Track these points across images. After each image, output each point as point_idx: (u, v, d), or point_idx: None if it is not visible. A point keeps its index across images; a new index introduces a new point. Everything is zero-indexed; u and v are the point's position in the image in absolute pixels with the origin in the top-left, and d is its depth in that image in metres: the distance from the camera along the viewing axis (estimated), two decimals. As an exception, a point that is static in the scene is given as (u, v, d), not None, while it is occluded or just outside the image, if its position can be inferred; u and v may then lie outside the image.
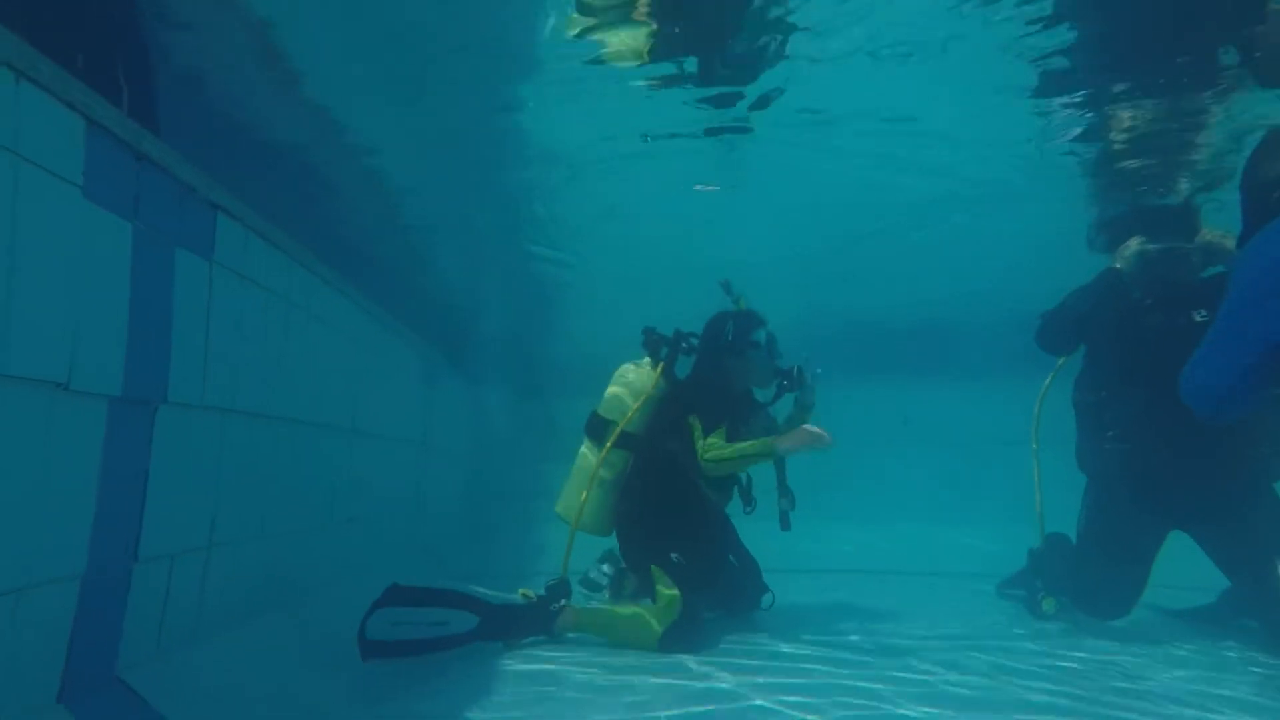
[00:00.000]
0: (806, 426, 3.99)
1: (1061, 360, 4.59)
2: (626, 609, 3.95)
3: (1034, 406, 4.68)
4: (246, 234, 3.18)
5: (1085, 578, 4.30)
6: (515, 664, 3.39)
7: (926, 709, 2.74)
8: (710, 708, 2.76)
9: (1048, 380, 4.62)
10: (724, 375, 4.28)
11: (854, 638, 4.03)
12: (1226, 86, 4.16)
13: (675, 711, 2.71)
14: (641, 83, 4.28)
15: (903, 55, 3.91)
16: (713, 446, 3.95)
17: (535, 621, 3.74)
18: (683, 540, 4.08)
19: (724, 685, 3.07)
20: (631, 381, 4.40)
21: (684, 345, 4.40)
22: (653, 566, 4.02)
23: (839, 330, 8.89)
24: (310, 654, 3.18)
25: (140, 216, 2.38)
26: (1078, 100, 4.39)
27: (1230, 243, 3.69)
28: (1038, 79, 4.14)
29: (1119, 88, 4.28)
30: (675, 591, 3.86)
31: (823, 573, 6.30)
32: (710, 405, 4.12)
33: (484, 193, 6.06)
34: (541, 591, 4.00)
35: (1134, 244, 4.01)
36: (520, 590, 4.22)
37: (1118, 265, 4.09)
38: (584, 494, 4.23)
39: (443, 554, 6.27)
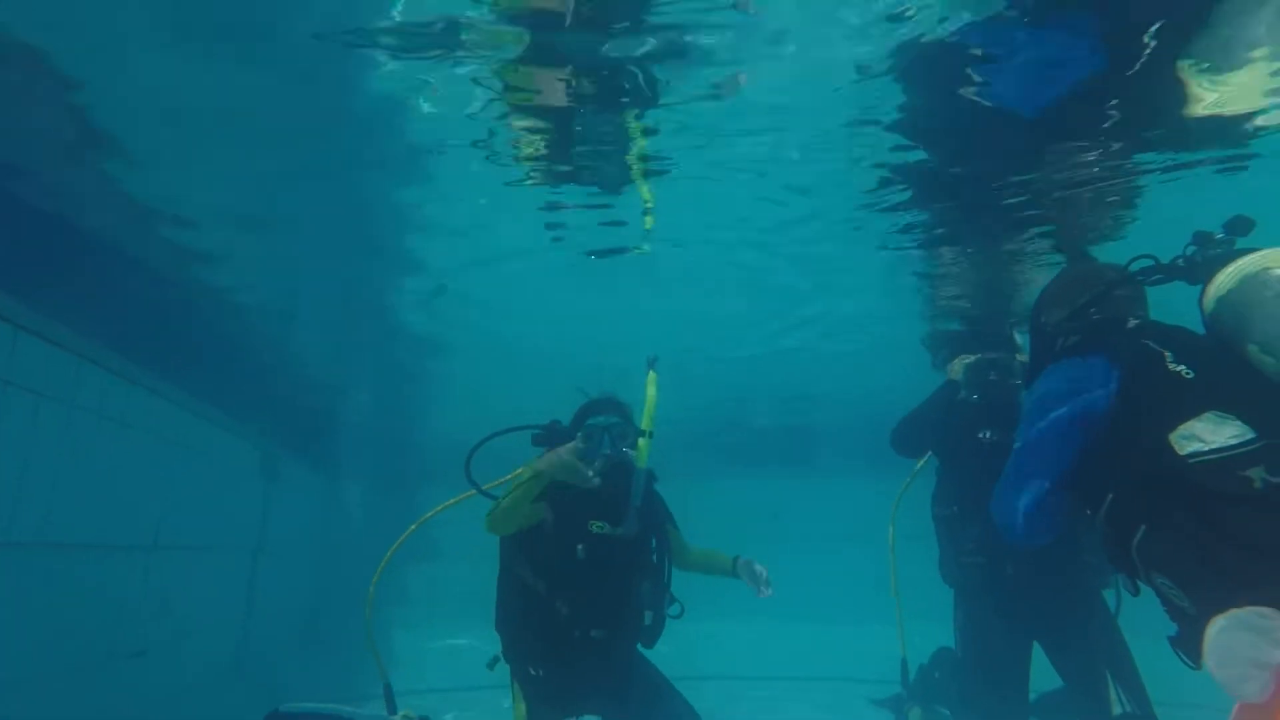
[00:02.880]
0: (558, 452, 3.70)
1: (918, 465, 4.67)
2: None
3: (890, 511, 4.70)
4: (15, 334, 2.77)
5: (966, 708, 4.25)
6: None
7: None
8: None
9: (902, 487, 4.68)
10: None
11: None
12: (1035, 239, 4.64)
13: None
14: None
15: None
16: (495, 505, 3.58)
17: None
18: (531, 649, 3.73)
19: None
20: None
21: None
22: (512, 682, 3.65)
23: (717, 427, 8.91)
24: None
25: None
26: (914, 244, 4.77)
27: None
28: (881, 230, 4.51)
29: (947, 240, 4.74)
30: (523, 710, 3.52)
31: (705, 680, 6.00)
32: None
33: (341, 281, 5.72)
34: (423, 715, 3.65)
35: (963, 358, 4.27)
36: (403, 712, 3.80)
37: (952, 378, 4.31)
38: None
39: (277, 674, 5.61)
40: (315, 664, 6.37)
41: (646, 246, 4.95)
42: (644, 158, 3.94)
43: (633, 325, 6.42)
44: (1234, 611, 1.59)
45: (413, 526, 4.25)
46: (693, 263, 5.25)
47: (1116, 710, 3.63)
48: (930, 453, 4.52)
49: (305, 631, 6.99)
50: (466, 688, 5.37)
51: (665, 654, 4.22)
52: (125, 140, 3.30)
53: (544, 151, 3.88)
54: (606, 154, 3.89)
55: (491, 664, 3.99)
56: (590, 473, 3.54)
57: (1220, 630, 1.62)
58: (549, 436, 3.94)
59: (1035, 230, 4.48)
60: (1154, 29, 2.68)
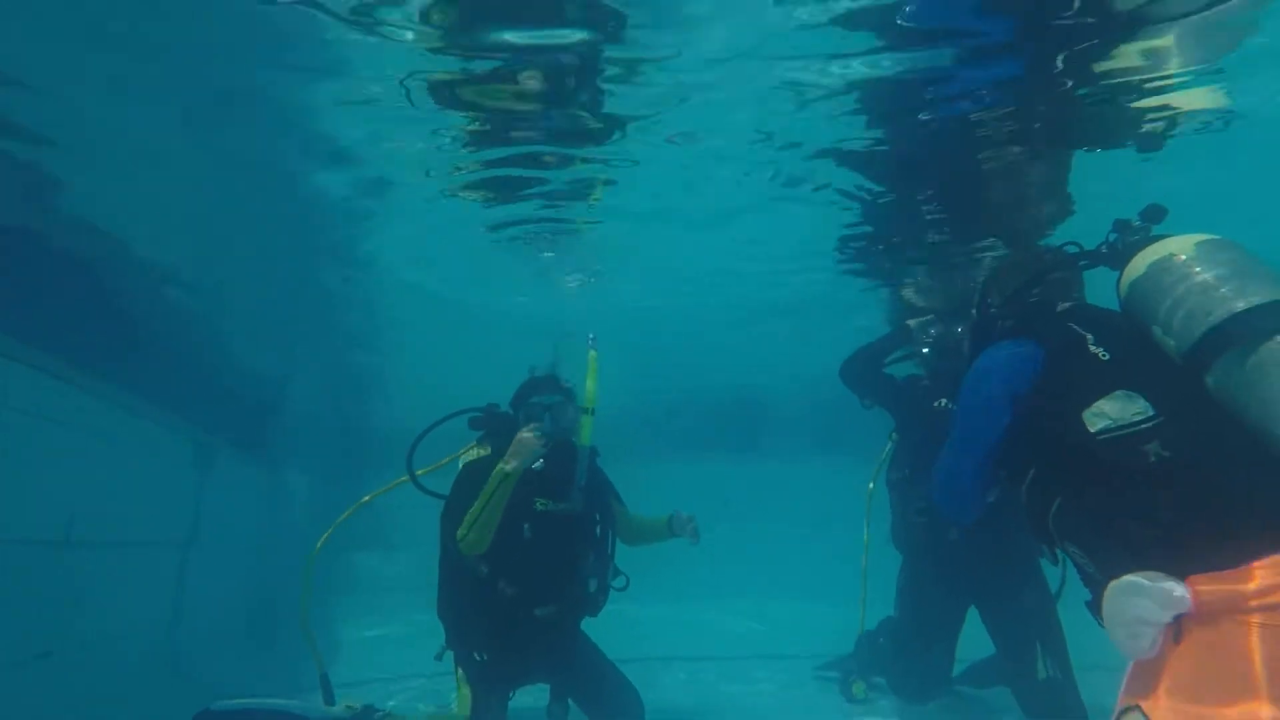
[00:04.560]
0: (521, 434, 3.50)
1: (887, 448, 4.70)
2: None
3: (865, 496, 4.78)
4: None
5: (898, 661, 4.44)
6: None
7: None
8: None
9: (876, 470, 4.72)
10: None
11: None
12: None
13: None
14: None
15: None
16: (464, 525, 3.40)
17: None
18: (475, 634, 3.62)
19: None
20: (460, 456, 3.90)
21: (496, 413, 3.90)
22: (456, 668, 3.74)
23: (671, 408, 8.90)
24: None
25: None
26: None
27: None
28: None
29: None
30: (467, 694, 3.63)
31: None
32: (469, 485, 3.54)
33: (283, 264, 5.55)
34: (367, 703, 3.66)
35: (922, 317, 4.54)
36: (344, 702, 3.75)
37: (909, 324, 4.57)
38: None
39: (216, 670, 5.44)
40: (259, 658, 6.20)
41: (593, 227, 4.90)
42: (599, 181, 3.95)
43: (579, 311, 6.38)
44: (1125, 577, 1.73)
45: (345, 513, 4.15)
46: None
47: (1042, 675, 3.91)
48: (896, 433, 4.61)
49: (248, 625, 6.82)
50: (413, 675, 5.29)
51: (609, 635, 4.20)
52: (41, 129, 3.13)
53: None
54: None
55: (439, 654, 3.89)
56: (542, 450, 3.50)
57: (1112, 593, 1.76)
58: (488, 420, 3.86)
59: (985, 239, 4.76)
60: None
